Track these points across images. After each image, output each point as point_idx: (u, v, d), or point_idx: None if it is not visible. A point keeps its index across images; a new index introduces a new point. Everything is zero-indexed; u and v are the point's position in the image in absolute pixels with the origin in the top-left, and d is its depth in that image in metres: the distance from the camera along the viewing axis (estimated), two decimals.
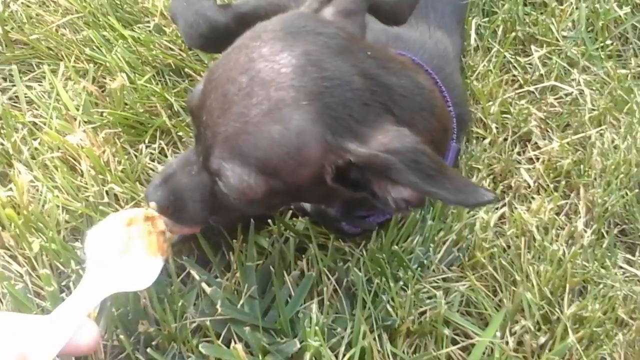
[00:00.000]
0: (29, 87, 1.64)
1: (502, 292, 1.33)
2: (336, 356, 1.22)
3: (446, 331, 1.25)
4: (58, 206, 1.38)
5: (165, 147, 1.52)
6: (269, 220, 1.36)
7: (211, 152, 1.03)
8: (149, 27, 1.75)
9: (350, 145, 0.97)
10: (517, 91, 1.70)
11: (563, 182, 1.49)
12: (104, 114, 1.55)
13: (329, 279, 1.30)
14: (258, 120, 0.98)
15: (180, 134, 1.54)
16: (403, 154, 0.93)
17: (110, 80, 1.63)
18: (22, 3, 1.82)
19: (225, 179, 1.03)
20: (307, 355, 1.16)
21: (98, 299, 1.05)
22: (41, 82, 1.67)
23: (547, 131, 1.63)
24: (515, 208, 1.46)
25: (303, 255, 1.33)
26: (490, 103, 1.62)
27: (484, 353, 1.26)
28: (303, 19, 1.09)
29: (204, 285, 1.27)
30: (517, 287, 1.31)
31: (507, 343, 1.26)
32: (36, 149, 1.49)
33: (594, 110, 1.64)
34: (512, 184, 1.51)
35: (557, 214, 1.46)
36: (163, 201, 1.14)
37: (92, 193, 1.39)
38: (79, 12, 1.78)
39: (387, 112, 1.01)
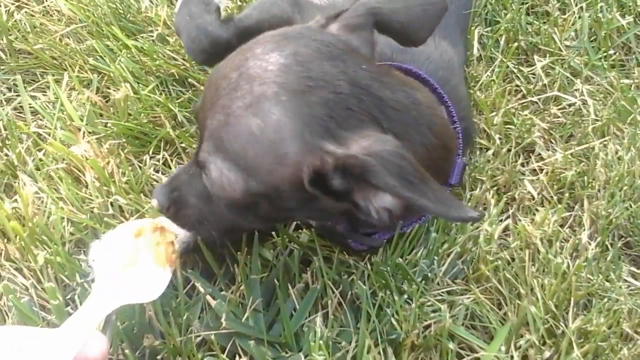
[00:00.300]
0: (33, 97, 1.64)
1: (506, 305, 1.33)
2: None
3: (451, 345, 1.25)
4: (63, 218, 1.38)
5: (169, 158, 1.52)
6: (273, 233, 1.35)
7: (201, 146, 1.06)
8: (153, 36, 1.75)
9: (328, 146, 0.97)
10: (521, 101, 1.70)
11: (567, 194, 1.49)
12: (108, 125, 1.55)
13: (333, 292, 1.30)
14: (239, 113, 1.00)
15: (184, 145, 1.54)
16: (382, 157, 0.93)
17: (114, 90, 1.63)
18: (26, 12, 1.82)
19: (208, 172, 1.06)
20: None
21: (107, 311, 1.06)
22: (45, 92, 1.67)
23: (551, 142, 1.63)
24: (519, 220, 1.46)
25: (308, 268, 1.33)
26: (494, 114, 1.62)
27: None
28: (303, 28, 1.12)
29: (208, 298, 1.27)
30: (522, 301, 1.31)
31: (512, 357, 1.27)
32: (41, 160, 1.49)
33: (597, 120, 1.64)
34: (516, 196, 1.51)
35: (561, 226, 1.46)
36: (164, 200, 1.17)
37: (97, 205, 1.39)
38: (83, 22, 1.78)
39: (373, 122, 1.02)
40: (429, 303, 1.31)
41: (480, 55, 1.76)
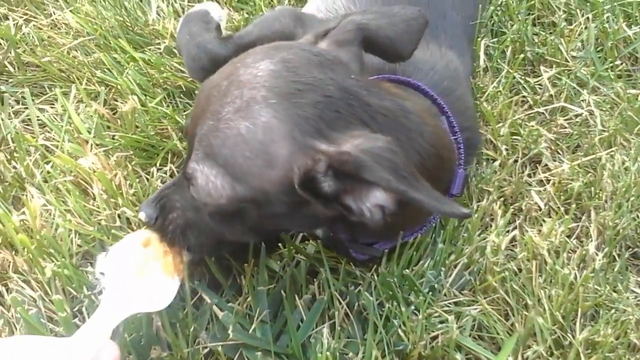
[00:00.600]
0: (41, 110, 1.65)
1: (514, 316, 1.33)
2: None
3: (458, 356, 1.24)
4: (70, 230, 1.38)
5: (175, 171, 1.53)
6: (280, 244, 1.36)
7: (189, 156, 1.07)
8: (160, 49, 1.76)
9: (320, 145, 0.98)
10: (527, 112, 1.69)
11: (574, 205, 1.49)
12: (116, 137, 1.56)
13: (340, 303, 1.30)
14: (229, 117, 1.01)
15: None
16: (375, 153, 0.94)
17: (121, 102, 1.64)
18: (34, 25, 1.83)
19: (194, 181, 1.06)
20: None
21: (117, 320, 1.07)
22: (53, 104, 1.68)
23: (558, 153, 1.63)
24: (526, 231, 1.46)
25: (314, 279, 1.33)
26: (500, 124, 1.62)
27: None
28: (294, 42, 1.15)
29: (215, 309, 1.28)
30: (529, 312, 1.31)
31: None
32: (48, 172, 1.50)
33: (604, 131, 1.64)
34: (523, 207, 1.50)
35: (568, 236, 1.46)
36: (150, 212, 1.17)
37: (105, 217, 1.40)
38: (90, 35, 1.79)
39: (362, 125, 1.02)
40: (436, 314, 1.31)
41: (487, 67, 1.76)
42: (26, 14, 1.88)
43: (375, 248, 1.32)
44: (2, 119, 1.62)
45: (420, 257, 1.36)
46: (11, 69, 1.75)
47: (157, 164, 1.53)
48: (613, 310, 1.33)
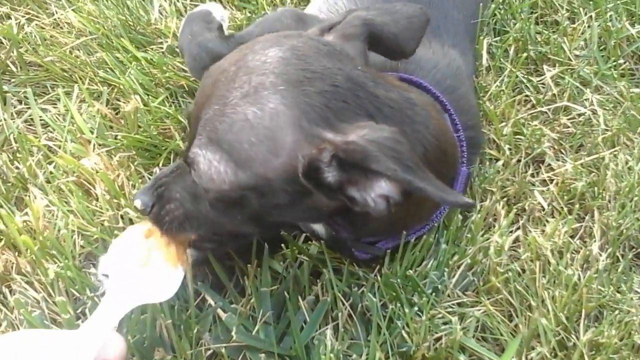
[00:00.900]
0: (43, 110, 1.65)
1: (517, 317, 1.33)
2: None
3: (462, 357, 1.24)
4: (73, 231, 1.38)
5: None
6: (283, 245, 1.35)
7: (192, 141, 1.05)
8: (162, 48, 1.76)
9: (326, 134, 0.98)
10: (530, 112, 1.69)
11: (577, 205, 1.49)
12: (118, 137, 1.56)
13: (343, 304, 1.30)
14: (236, 102, 1.01)
15: None
16: (381, 143, 0.94)
17: (124, 102, 1.64)
18: (36, 25, 1.83)
19: (196, 166, 1.04)
20: None
21: (123, 312, 1.07)
22: (56, 104, 1.68)
23: (561, 152, 1.63)
24: (530, 231, 1.46)
25: (317, 280, 1.33)
26: (503, 124, 1.62)
27: None
28: (302, 32, 1.15)
29: (219, 311, 1.28)
30: (533, 313, 1.31)
31: None
32: (51, 172, 1.50)
33: (607, 130, 1.64)
34: (526, 207, 1.50)
35: (572, 237, 1.46)
36: (146, 199, 1.14)
37: (107, 217, 1.40)
38: (93, 34, 1.79)
39: (368, 116, 1.02)
40: (440, 315, 1.31)
41: (489, 66, 1.76)
42: (28, 13, 1.87)
43: (377, 247, 1.31)
44: (5, 119, 1.62)
45: (424, 258, 1.36)
46: (13, 69, 1.75)
47: (160, 164, 1.53)
48: (617, 311, 1.33)
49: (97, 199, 1.44)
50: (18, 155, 1.54)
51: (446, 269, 1.35)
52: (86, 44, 1.79)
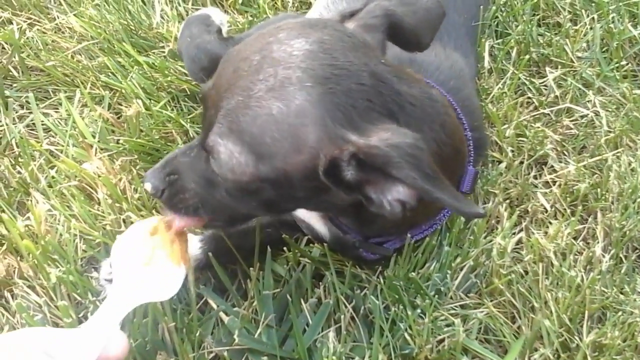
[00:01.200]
0: (45, 115, 1.65)
1: (520, 319, 1.32)
2: None
3: (465, 359, 1.24)
4: (75, 235, 1.38)
5: None
6: (285, 247, 1.35)
7: (211, 128, 1.04)
8: (164, 52, 1.76)
9: (350, 135, 0.97)
10: (533, 114, 1.69)
11: (580, 206, 1.48)
12: (120, 141, 1.56)
13: (346, 306, 1.30)
14: (260, 95, 0.99)
15: None
16: (403, 149, 0.93)
17: (125, 106, 1.64)
18: (38, 30, 1.83)
19: (216, 155, 1.03)
20: None
21: (126, 310, 1.07)
22: (57, 109, 1.68)
23: (564, 154, 1.62)
24: (533, 233, 1.46)
25: (320, 283, 1.33)
26: (506, 126, 1.62)
27: None
28: (326, 19, 1.13)
29: (221, 314, 1.28)
30: (536, 314, 1.30)
31: None
32: (53, 177, 1.50)
33: (610, 132, 1.63)
34: (529, 209, 1.50)
35: (575, 238, 1.45)
36: (157, 183, 1.13)
37: (109, 222, 1.40)
38: (94, 39, 1.79)
39: (390, 117, 1.02)
40: (442, 317, 1.31)
41: (492, 68, 1.76)
42: (30, 18, 1.87)
43: (385, 247, 1.31)
44: (7, 124, 1.62)
45: (426, 260, 1.36)
46: (15, 74, 1.75)
47: None
48: (620, 313, 1.33)
49: (99, 203, 1.44)
50: (20, 159, 1.54)
51: (449, 271, 1.34)
52: (88, 49, 1.79)
